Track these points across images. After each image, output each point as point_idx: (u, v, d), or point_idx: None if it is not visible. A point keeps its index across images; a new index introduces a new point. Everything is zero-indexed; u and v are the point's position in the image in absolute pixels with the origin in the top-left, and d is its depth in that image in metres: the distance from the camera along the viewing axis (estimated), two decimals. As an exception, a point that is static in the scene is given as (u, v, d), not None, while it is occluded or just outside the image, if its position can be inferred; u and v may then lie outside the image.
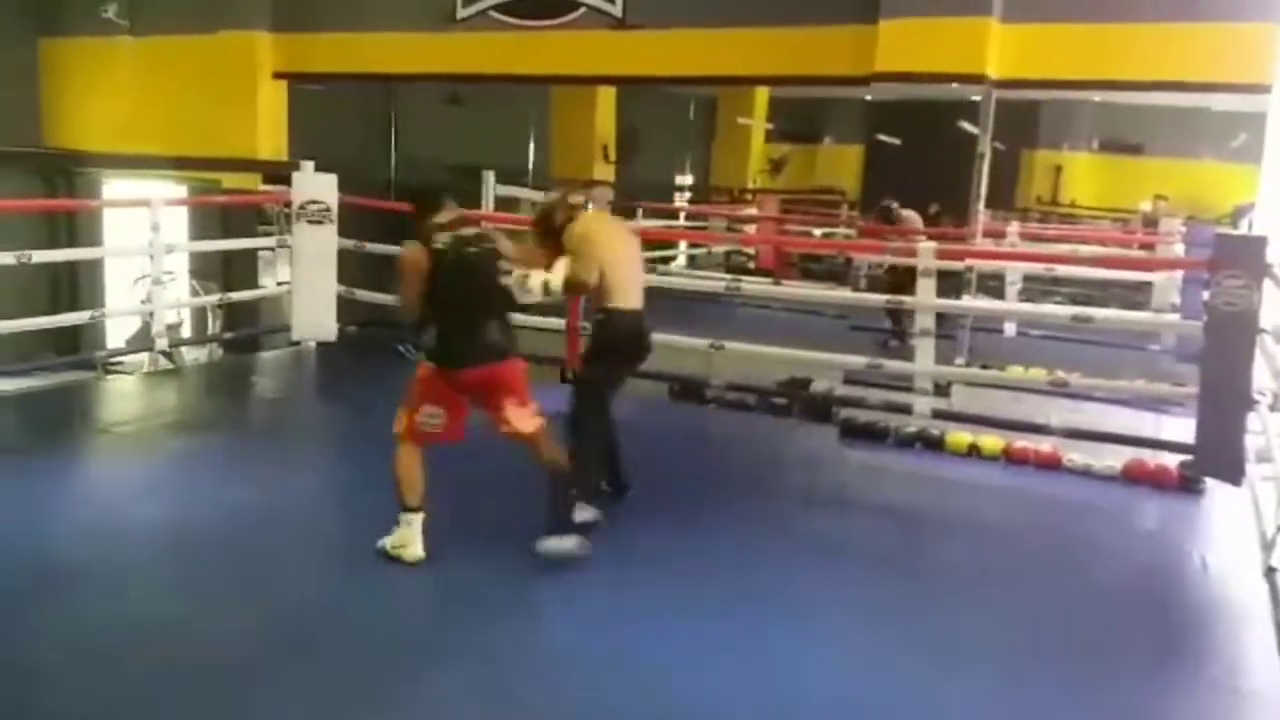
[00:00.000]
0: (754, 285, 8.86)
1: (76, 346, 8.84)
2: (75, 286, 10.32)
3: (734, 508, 4.97)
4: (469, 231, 4.08)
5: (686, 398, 7.37)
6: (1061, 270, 9.70)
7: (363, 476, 5.04)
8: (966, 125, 8.22)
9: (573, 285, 4.37)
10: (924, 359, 6.02)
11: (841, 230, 13.74)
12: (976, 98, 7.76)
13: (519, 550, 4.03)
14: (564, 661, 3.41)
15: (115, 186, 10.78)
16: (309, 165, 7.55)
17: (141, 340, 7.91)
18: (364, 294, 7.56)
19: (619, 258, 4.51)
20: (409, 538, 3.98)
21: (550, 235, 4.49)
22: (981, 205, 7.76)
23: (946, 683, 3.40)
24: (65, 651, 3.33)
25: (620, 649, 3.47)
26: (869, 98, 8.09)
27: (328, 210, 7.28)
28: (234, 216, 9.56)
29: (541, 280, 4.16)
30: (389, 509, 3.97)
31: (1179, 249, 9.81)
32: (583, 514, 4.24)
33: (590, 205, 4.73)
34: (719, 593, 3.96)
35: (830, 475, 5.83)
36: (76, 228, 10.48)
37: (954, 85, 7.60)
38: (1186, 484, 5.47)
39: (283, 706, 3.07)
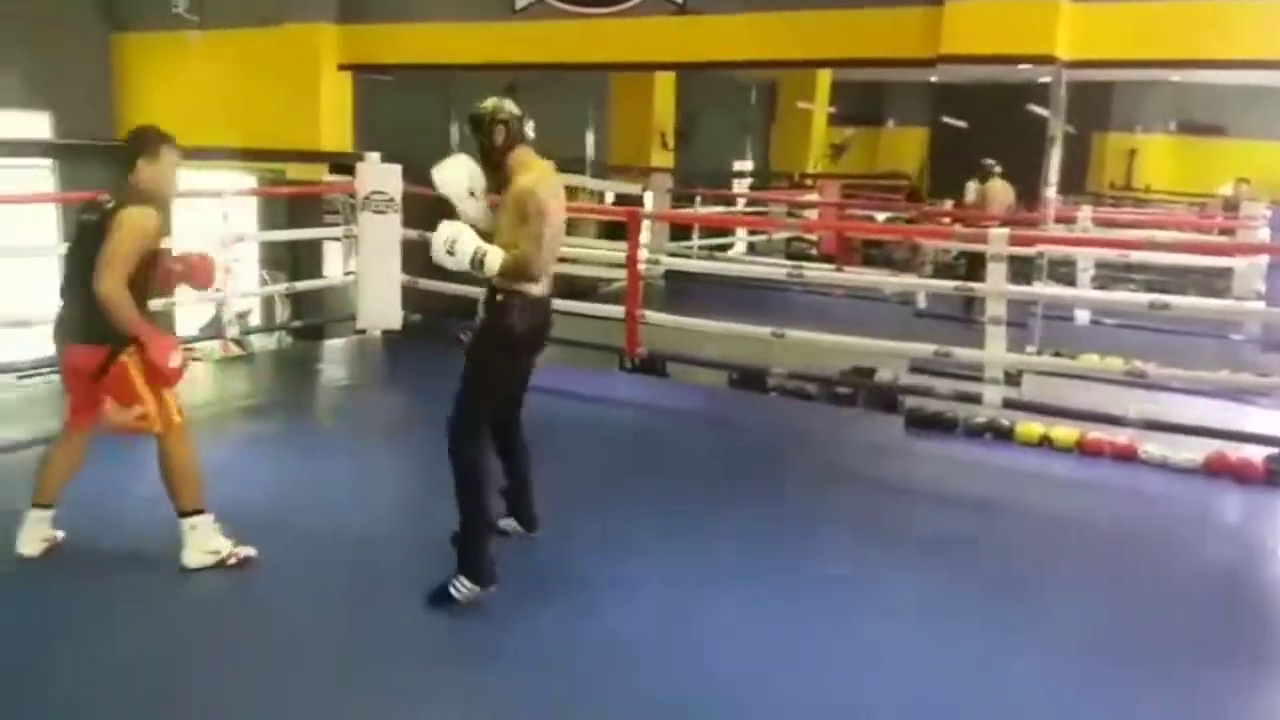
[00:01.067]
0: (817, 272, 8.78)
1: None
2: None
3: (797, 499, 4.92)
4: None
5: (747, 386, 7.31)
6: (1136, 256, 9.46)
7: (424, 460, 5.10)
8: (1036, 108, 8.04)
9: (517, 273, 3.58)
10: (995, 347, 5.90)
11: (905, 215, 13.55)
12: (1046, 79, 7.57)
13: (585, 531, 4.02)
14: (625, 646, 3.39)
15: (186, 178, 10.95)
16: (374, 156, 7.61)
17: (213, 327, 8.04)
18: (427, 283, 7.61)
19: (556, 231, 3.70)
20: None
21: (489, 161, 3.73)
22: (1053, 190, 7.55)
23: (1017, 674, 3.35)
24: (137, 622, 3.43)
25: (681, 640, 3.45)
26: (934, 80, 7.92)
27: (392, 200, 7.34)
28: (300, 207, 9.66)
29: (475, 254, 3.54)
30: (449, 489, 3.95)
31: (1264, 234, 9.50)
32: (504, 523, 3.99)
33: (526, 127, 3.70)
34: (783, 586, 3.91)
35: (897, 466, 5.75)
36: (149, 218, 10.67)
37: (1023, 67, 7.41)
38: (1273, 478, 5.29)
39: (339, 690, 3.09)
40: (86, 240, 3.64)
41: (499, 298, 3.65)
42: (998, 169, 10.07)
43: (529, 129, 3.67)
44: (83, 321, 3.66)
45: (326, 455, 5.38)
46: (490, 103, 3.68)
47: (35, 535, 3.83)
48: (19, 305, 6.33)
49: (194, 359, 8.22)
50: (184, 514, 3.73)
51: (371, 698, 3.07)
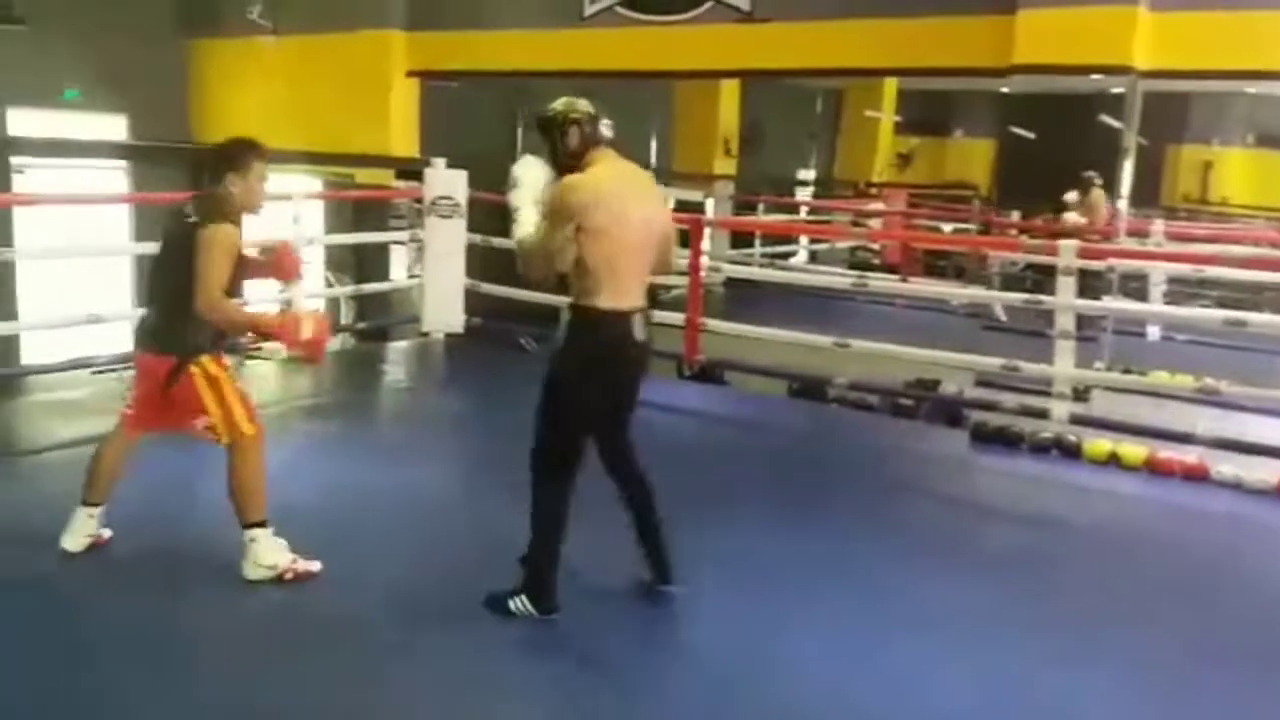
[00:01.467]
0: (882, 282, 8.70)
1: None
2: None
3: (858, 513, 4.86)
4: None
5: (807, 396, 7.26)
6: (1211, 271, 9.23)
7: (483, 462, 5.16)
8: (1108, 119, 7.89)
9: (524, 259, 3.44)
10: (1063, 362, 5.80)
11: (972, 226, 13.38)
12: (1119, 90, 7.43)
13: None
14: (690, 662, 3.38)
15: (257, 180, 11.19)
16: (440, 162, 7.68)
17: (277, 329, 8.14)
18: (490, 287, 7.67)
19: (625, 241, 3.33)
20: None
21: (561, 166, 3.46)
22: (1125, 202, 7.40)
23: (1081, 697, 3.27)
24: (199, 615, 3.53)
25: (745, 653, 3.42)
26: (1003, 90, 7.81)
27: (457, 205, 7.42)
28: (366, 211, 9.81)
29: (520, 216, 3.44)
30: (512, 492, 3.95)
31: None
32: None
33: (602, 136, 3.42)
34: (843, 600, 3.87)
35: (961, 481, 5.66)
36: (220, 220, 10.91)
37: (1096, 77, 7.28)
38: (1350, 501, 5.13)
39: (403, 684, 3.12)
40: (170, 251, 3.68)
41: (565, 313, 3.44)
42: (1099, 180, 9.85)
43: (605, 128, 3.39)
44: (158, 330, 3.70)
45: (388, 455, 5.44)
46: (561, 103, 3.43)
47: (81, 531, 3.86)
48: (93, 302, 6.48)
49: (261, 358, 8.40)
50: (245, 525, 3.74)
51: (429, 692, 3.09)
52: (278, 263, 4.02)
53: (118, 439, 3.93)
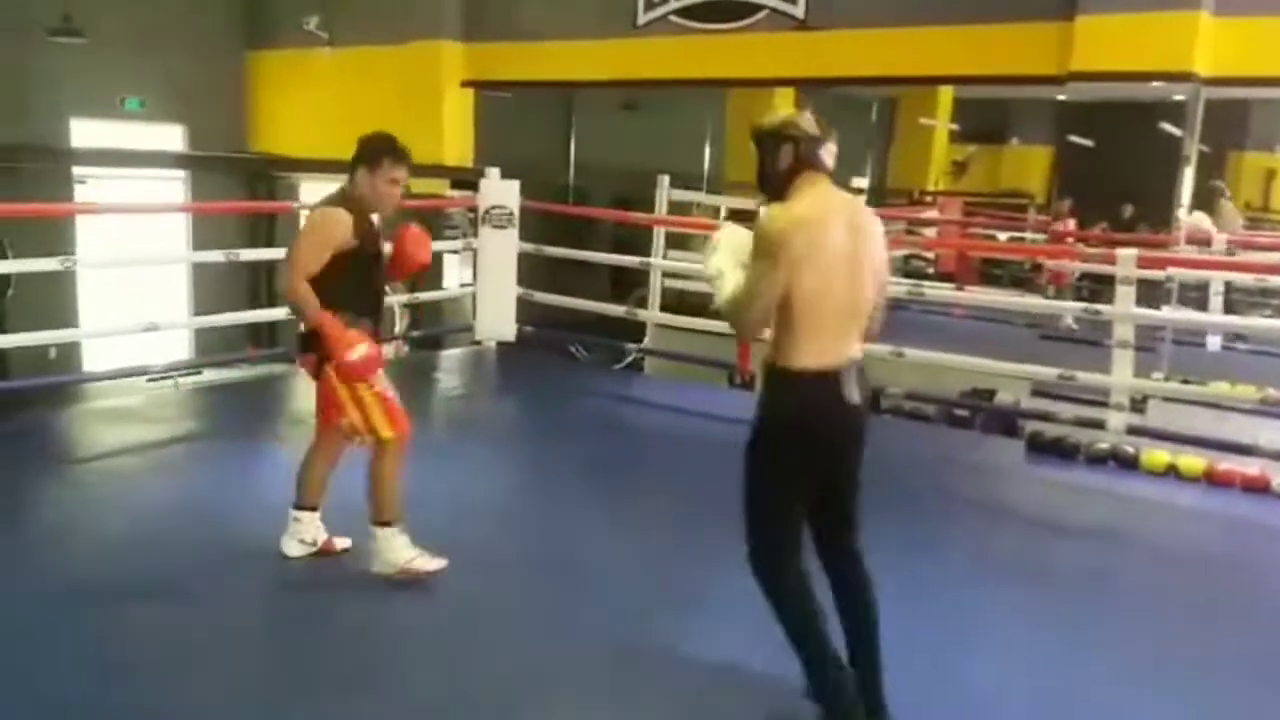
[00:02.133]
0: (937, 290, 8.61)
1: (275, 341, 9.33)
2: (273, 284, 10.93)
3: (912, 524, 4.79)
4: None
5: (861, 406, 7.20)
6: (1273, 280, 9.02)
7: (534, 468, 5.19)
8: (1168, 126, 7.76)
9: (730, 316, 2.92)
10: (1121, 372, 5.69)
11: (1029, 235, 13.19)
12: (1181, 97, 7.31)
13: (687, 549, 3.99)
14: (740, 672, 3.36)
15: (311, 189, 11.35)
16: (494, 172, 7.74)
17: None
18: (542, 296, 7.71)
19: (832, 282, 2.78)
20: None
21: (769, 187, 2.93)
22: (1185, 211, 7.27)
23: (1141, 711, 3.20)
24: (259, 615, 3.60)
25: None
26: (1061, 98, 7.71)
27: (511, 215, 7.46)
28: (421, 220, 9.89)
29: (722, 281, 2.91)
30: (563, 496, 3.94)
31: None
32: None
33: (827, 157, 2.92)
34: (896, 612, 3.82)
35: (1017, 492, 5.58)
36: (276, 229, 11.11)
37: (1157, 84, 7.16)
38: None
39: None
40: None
41: (769, 379, 2.93)
42: (1227, 192, 9.72)
43: (827, 154, 2.89)
44: (299, 330, 3.75)
45: (442, 461, 5.46)
46: (779, 117, 2.95)
47: (297, 535, 3.91)
48: (151, 311, 6.59)
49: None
50: (373, 523, 3.74)
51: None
52: (396, 253, 3.98)
53: (315, 439, 3.96)
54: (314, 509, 3.94)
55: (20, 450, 5.34)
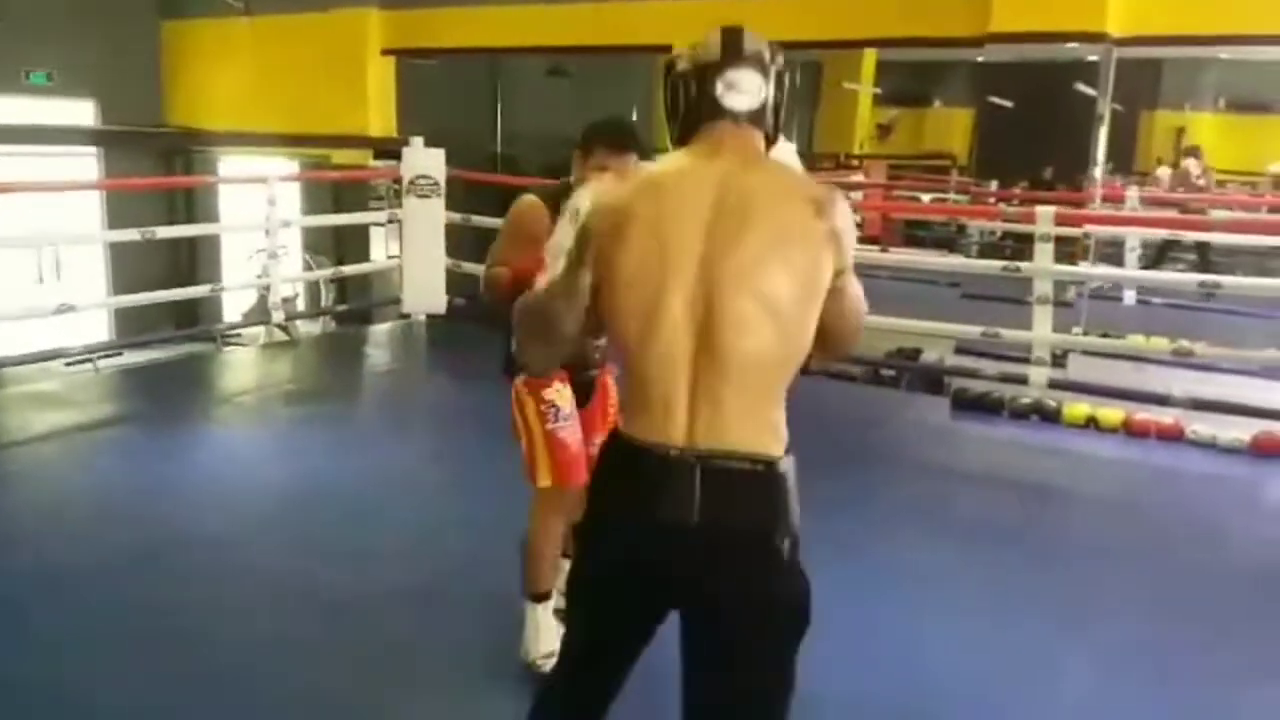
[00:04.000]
0: (862, 253, 8.71)
1: (196, 319, 9.18)
2: (194, 261, 10.73)
3: (841, 482, 4.87)
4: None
5: (790, 369, 7.29)
6: (1185, 236, 9.31)
7: (465, 445, 5.15)
8: (1084, 87, 7.92)
9: (519, 321, 1.95)
10: (1041, 327, 5.84)
11: (952, 196, 13.42)
12: (1094, 58, 7.45)
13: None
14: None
15: (231, 163, 11.13)
16: (418, 141, 7.65)
17: (258, 313, 8.16)
18: (471, 266, 7.65)
19: (670, 308, 1.69)
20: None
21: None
22: (1099, 169, 7.45)
23: (1066, 654, 3.32)
24: (189, 603, 3.49)
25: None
26: (982, 60, 7.83)
27: (436, 185, 7.38)
28: (345, 192, 9.77)
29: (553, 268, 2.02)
30: (491, 476, 3.88)
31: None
32: None
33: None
34: (823, 568, 3.89)
35: (942, 448, 5.70)
36: (195, 204, 10.88)
37: (1072, 45, 7.30)
38: (1323, 457, 5.21)
39: (396, 658, 3.13)
40: None
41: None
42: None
43: (727, 87, 1.80)
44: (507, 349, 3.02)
45: (370, 440, 5.45)
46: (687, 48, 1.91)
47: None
48: (65, 292, 6.43)
49: (239, 344, 8.35)
50: (524, 594, 3.06)
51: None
52: None
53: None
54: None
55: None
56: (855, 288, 1.85)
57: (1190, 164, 11.53)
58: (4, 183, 9.27)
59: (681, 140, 1.86)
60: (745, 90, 1.79)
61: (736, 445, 1.69)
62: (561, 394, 2.98)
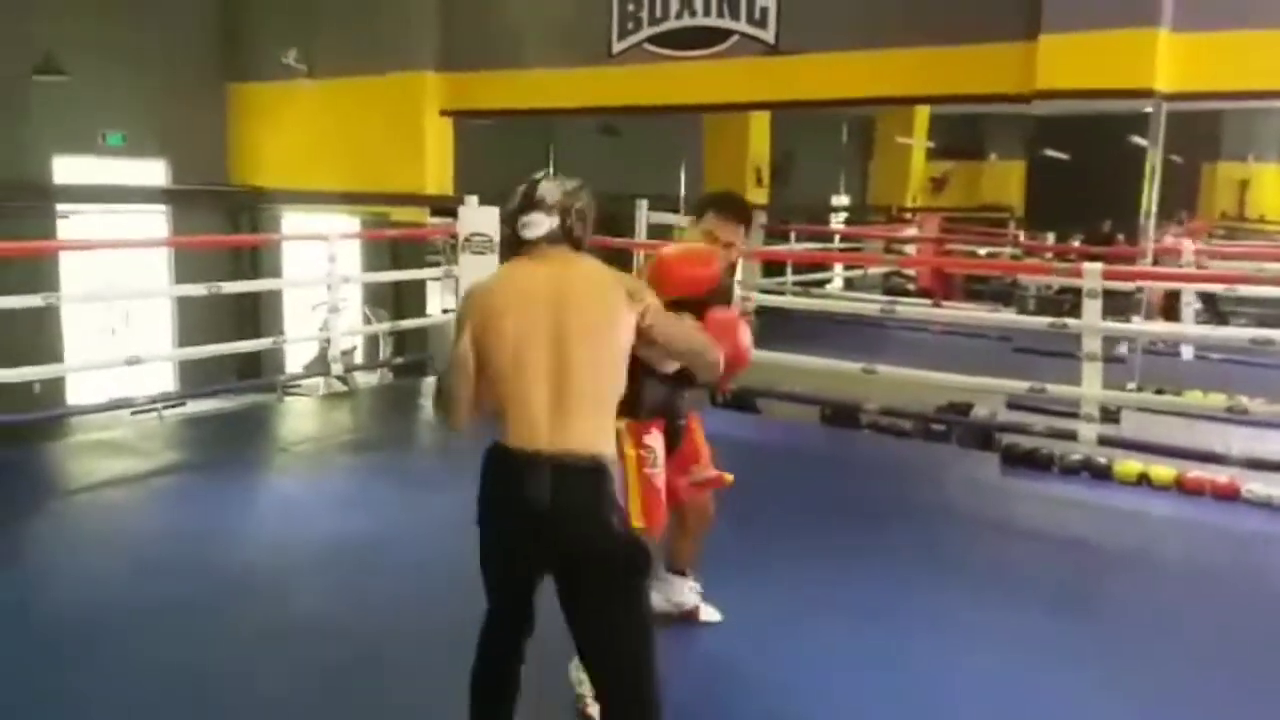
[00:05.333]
0: (909, 307, 8.73)
1: (259, 371, 9.41)
2: (257, 314, 11.02)
3: (888, 538, 4.88)
4: None
5: (839, 423, 7.30)
6: (1245, 290, 9.17)
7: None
8: (1139, 139, 7.90)
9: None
10: (1090, 383, 5.80)
11: (1008, 250, 13.34)
12: (1149, 109, 7.44)
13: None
14: (720, 682, 3.42)
15: (294, 221, 11.46)
16: (473, 200, 7.84)
17: (318, 365, 8.36)
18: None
19: (522, 354, 2.45)
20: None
21: None
22: (1152, 222, 7.41)
23: (1107, 716, 3.28)
24: (239, 649, 3.58)
25: (772, 684, 3.46)
26: (1037, 113, 7.84)
27: (490, 241, 7.56)
28: (404, 248, 10.00)
29: None
30: None
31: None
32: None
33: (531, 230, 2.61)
34: (873, 626, 3.90)
35: (990, 504, 5.66)
36: (259, 259, 11.21)
37: (1115, 101, 7.32)
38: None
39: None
40: None
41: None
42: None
43: (525, 225, 2.60)
44: None
45: (424, 488, 5.54)
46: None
47: (664, 593, 3.60)
48: (134, 344, 6.66)
49: (300, 395, 8.53)
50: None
51: None
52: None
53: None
54: (681, 573, 3.71)
55: (9, 483, 5.40)
56: (667, 329, 2.61)
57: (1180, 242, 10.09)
58: (79, 240, 9.71)
59: (513, 256, 2.62)
60: (534, 226, 2.57)
61: (577, 448, 2.39)
62: (658, 440, 3.28)
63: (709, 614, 3.77)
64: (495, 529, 2.49)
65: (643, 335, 2.53)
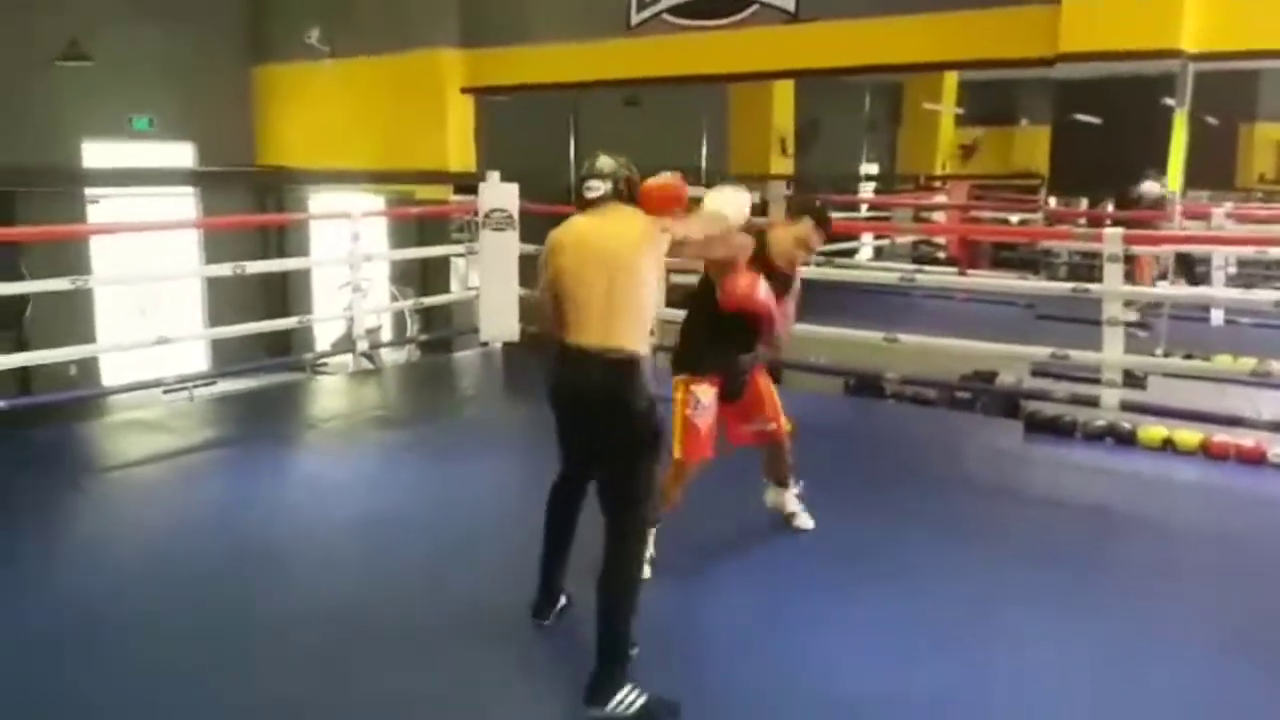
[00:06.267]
0: (931, 276, 8.67)
1: (288, 349, 9.51)
2: (285, 293, 11.12)
3: (912, 506, 4.89)
4: None
5: (863, 392, 7.30)
6: (1276, 252, 9.02)
7: (549, 467, 5.28)
8: (1170, 101, 7.78)
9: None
10: (1112, 349, 5.76)
11: (1039, 217, 13.19)
12: (1175, 70, 7.33)
13: (692, 532, 4.11)
14: (734, 646, 3.46)
15: (320, 200, 11.53)
16: (494, 176, 7.86)
17: (345, 343, 8.42)
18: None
19: (580, 280, 3.29)
20: None
21: None
22: (1179, 185, 7.30)
23: (1128, 682, 3.29)
24: (268, 623, 3.65)
25: (797, 649, 3.49)
26: (1066, 76, 7.73)
27: (510, 217, 7.59)
28: (428, 225, 10.05)
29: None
30: None
31: None
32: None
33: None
34: (899, 594, 3.91)
35: (1012, 471, 5.65)
36: (286, 239, 11.30)
37: (1144, 62, 7.20)
38: None
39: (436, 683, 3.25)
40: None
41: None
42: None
43: (586, 190, 3.43)
44: None
45: (451, 462, 5.61)
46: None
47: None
48: (164, 325, 6.75)
49: (328, 373, 8.63)
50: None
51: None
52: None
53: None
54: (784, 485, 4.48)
55: (47, 462, 5.54)
56: (682, 226, 3.47)
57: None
58: (110, 223, 9.83)
59: (580, 211, 3.44)
60: (594, 189, 3.40)
61: (615, 346, 3.21)
62: (706, 392, 4.03)
63: (804, 521, 4.45)
64: (556, 401, 3.38)
65: (674, 245, 3.40)
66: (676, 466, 3.99)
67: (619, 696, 3.02)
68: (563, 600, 3.60)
